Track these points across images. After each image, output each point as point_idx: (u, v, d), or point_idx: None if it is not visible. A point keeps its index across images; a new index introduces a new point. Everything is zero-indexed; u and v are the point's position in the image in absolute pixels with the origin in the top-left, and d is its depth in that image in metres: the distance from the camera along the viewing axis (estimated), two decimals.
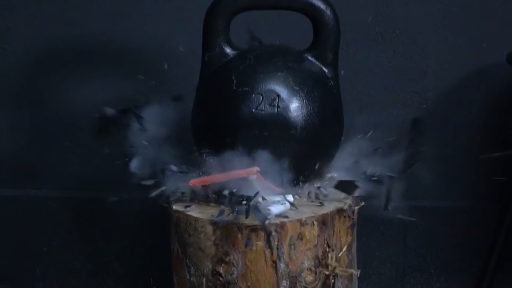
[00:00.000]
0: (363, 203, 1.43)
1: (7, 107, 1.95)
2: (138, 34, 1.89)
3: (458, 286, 1.96)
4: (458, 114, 1.86)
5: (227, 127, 1.36)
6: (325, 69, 1.42)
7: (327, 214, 1.34)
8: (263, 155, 1.33)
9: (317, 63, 1.42)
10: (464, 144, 1.86)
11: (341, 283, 1.38)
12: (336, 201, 1.40)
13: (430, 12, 1.85)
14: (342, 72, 1.49)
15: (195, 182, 1.37)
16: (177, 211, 1.37)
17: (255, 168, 1.33)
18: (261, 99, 1.34)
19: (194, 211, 1.36)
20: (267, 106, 1.34)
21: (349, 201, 1.40)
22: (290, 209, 1.35)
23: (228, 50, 1.41)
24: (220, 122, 1.37)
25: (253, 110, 1.34)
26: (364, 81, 1.88)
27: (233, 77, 1.36)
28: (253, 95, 1.35)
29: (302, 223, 1.31)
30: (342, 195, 1.44)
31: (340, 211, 1.37)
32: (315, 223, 1.32)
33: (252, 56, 1.39)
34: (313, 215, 1.33)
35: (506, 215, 1.82)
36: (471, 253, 1.92)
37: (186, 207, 1.39)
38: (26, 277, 2.01)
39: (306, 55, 1.42)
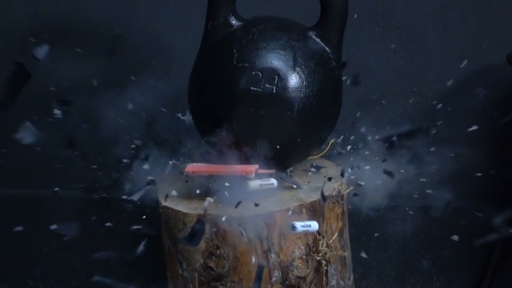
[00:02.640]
0: (351, 187, 1.42)
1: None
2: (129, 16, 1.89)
3: (458, 286, 1.96)
4: (457, 114, 1.86)
5: (223, 101, 1.33)
6: (328, 50, 1.40)
7: (315, 201, 1.33)
8: (257, 133, 1.32)
9: (321, 43, 1.39)
10: (464, 144, 1.86)
11: (334, 269, 1.38)
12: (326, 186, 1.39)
13: (430, 12, 1.85)
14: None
15: (191, 169, 1.35)
16: (165, 207, 1.37)
17: (255, 167, 1.32)
18: (260, 77, 1.31)
19: (182, 206, 1.35)
20: (266, 84, 1.31)
21: (337, 186, 1.39)
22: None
23: (232, 21, 1.38)
24: (216, 95, 1.35)
25: (251, 88, 1.31)
26: (364, 81, 1.88)
27: (234, 51, 1.34)
28: (253, 72, 1.32)
29: (291, 212, 1.30)
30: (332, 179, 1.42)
31: (328, 197, 1.36)
32: (304, 211, 1.31)
33: (256, 30, 1.36)
34: (301, 203, 1.32)
35: (506, 215, 1.81)
36: (471, 253, 1.92)
37: None
38: (26, 277, 2.01)
39: (310, 33, 1.39)
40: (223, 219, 1.27)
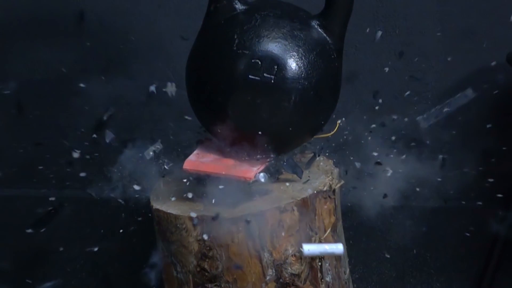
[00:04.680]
0: (342, 182, 1.41)
1: (6, 107, 1.96)
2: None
3: (458, 286, 1.96)
4: (458, 114, 1.86)
5: (220, 87, 1.31)
6: (330, 41, 1.36)
7: (306, 198, 1.32)
8: (252, 121, 1.30)
9: (324, 33, 1.36)
10: (463, 144, 1.86)
11: (329, 264, 1.37)
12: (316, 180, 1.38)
13: (430, 12, 1.84)
14: None
15: (189, 166, 1.34)
16: (157, 209, 1.35)
17: (254, 172, 1.31)
18: (259, 65, 1.29)
19: (173, 208, 1.34)
20: (265, 74, 1.29)
21: (328, 181, 1.38)
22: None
23: (236, 4, 1.35)
24: (214, 80, 1.32)
25: (250, 76, 1.29)
26: (364, 81, 1.88)
27: (235, 36, 1.30)
28: (252, 60, 1.29)
29: (281, 210, 1.29)
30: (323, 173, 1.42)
31: (320, 192, 1.35)
32: (295, 208, 1.30)
33: (259, 16, 1.32)
34: (292, 200, 1.30)
35: (506, 214, 1.82)
36: (471, 253, 1.92)
37: None
38: (26, 277, 2.01)
39: (313, 22, 1.36)
40: (205, 237, 1.28)
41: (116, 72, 1.72)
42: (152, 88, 1.56)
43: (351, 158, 1.55)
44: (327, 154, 1.55)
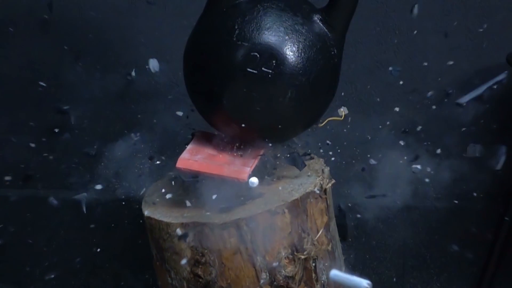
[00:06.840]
0: (333, 181, 1.40)
1: (7, 107, 1.96)
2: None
3: (458, 286, 1.96)
4: (458, 114, 1.85)
5: (217, 77, 1.29)
6: (331, 36, 1.34)
7: (297, 199, 1.30)
8: (247, 114, 1.29)
9: (325, 29, 1.34)
10: (464, 144, 1.86)
11: (323, 265, 1.36)
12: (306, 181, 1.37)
13: (430, 12, 1.84)
14: None
15: (182, 165, 1.33)
16: (149, 217, 1.34)
17: (247, 172, 1.30)
18: (258, 58, 1.27)
19: (164, 215, 1.33)
20: (263, 68, 1.27)
21: (319, 181, 1.37)
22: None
23: None
24: (211, 68, 1.30)
25: (247, 69, 1.27)
26: (364, 81, 1.88)
27: (236, 27, 1.28)
28: (251, 53, 1.27)
29: (272, 213, 1.28)
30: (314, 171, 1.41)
31: (311, 193, 1.33)
32: (286, 210, 1.29)
33: (262, 7, 1.30)
34: (282, 203, 1.29)
35: (506, 215, 1.82)
36: (471, 253, 1.92)
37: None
38: (26, 277, 2.02)
39: (316, 17, 1.34)
40: (183, 262, 1.29)
41: (90, 64, 1.71)
42: (132, 73, 1.55)
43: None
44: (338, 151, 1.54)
